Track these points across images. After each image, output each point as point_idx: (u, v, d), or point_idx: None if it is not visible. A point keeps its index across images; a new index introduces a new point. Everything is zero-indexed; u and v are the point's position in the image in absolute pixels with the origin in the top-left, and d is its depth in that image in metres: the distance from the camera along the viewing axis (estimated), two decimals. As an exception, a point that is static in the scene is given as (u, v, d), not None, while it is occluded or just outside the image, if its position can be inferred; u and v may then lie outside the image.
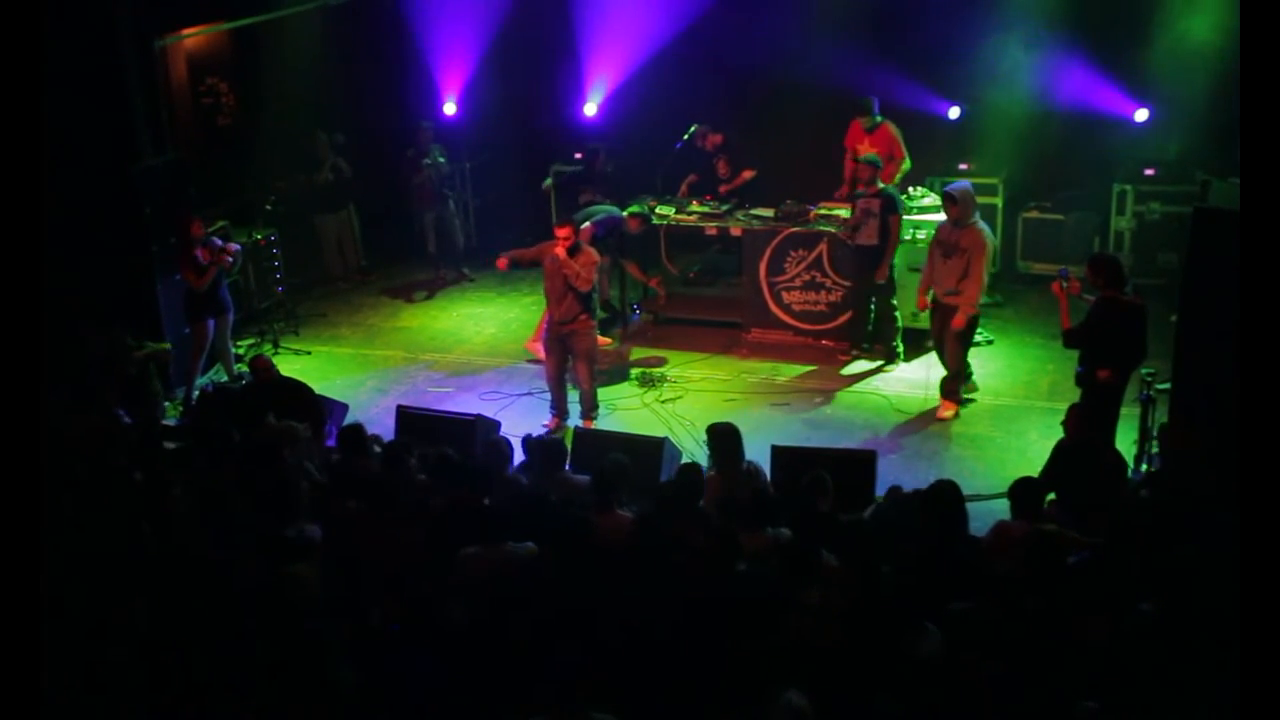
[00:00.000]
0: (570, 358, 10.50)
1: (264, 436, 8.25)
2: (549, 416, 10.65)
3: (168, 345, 11.17)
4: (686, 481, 7.50)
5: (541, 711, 5.12)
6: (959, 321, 10.25)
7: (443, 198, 14.33)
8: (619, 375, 11.63)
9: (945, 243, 10.39)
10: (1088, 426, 8.23)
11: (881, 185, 11.29)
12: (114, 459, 7.97)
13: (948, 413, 10.60)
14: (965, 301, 10.24)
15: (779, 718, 5.08)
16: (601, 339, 11.99)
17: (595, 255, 10.37)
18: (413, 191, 14.35)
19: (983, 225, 10.36)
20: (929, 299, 10.57)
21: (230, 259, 11.37)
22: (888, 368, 11.57)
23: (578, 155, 14.23)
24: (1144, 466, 8.84)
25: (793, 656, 5.56)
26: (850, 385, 11.32)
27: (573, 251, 10.15)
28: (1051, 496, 7.76)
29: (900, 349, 11.66)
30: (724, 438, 8.06)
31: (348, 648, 5.75)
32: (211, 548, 6.73)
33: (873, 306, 11.64)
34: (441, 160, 14.17)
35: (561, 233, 10.19)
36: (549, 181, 14.15)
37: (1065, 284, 9.13)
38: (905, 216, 11.83)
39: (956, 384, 10.63)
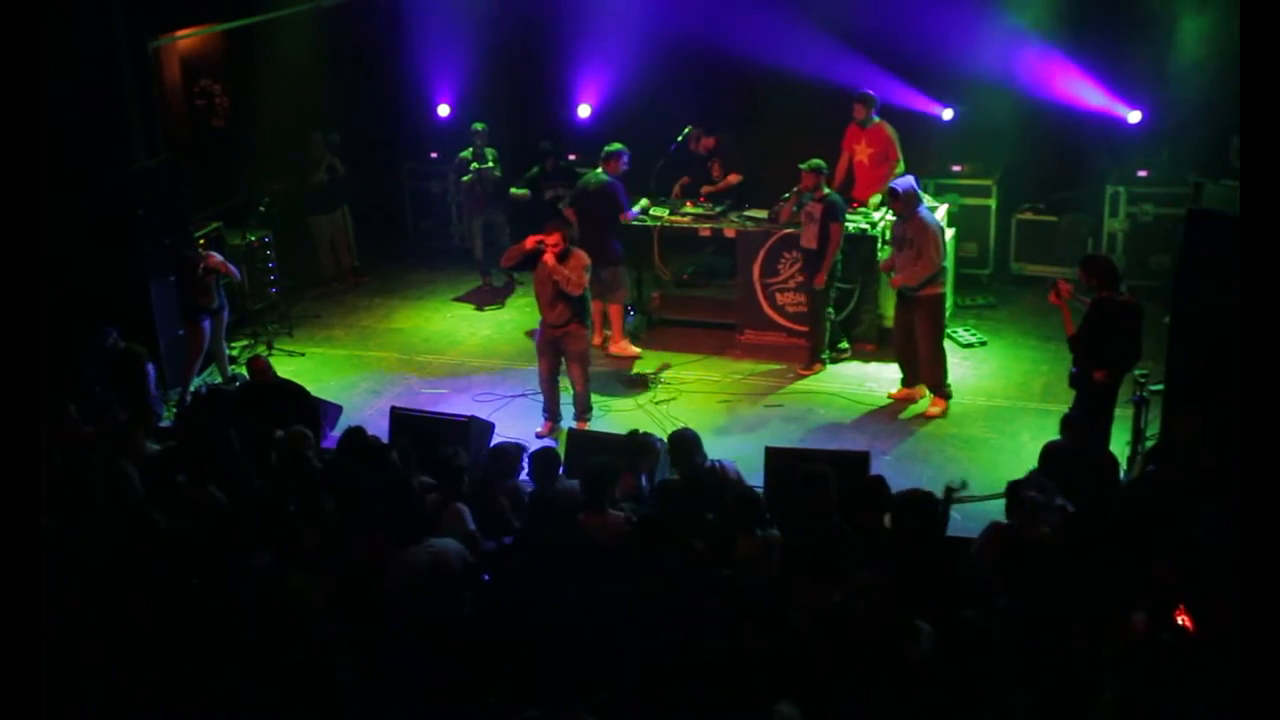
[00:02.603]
0: (564, 360, 10.50)
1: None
2: (542, 421, 10.64)
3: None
4: (694, 482, 7.51)
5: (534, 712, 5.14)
6: (899, 281, 10.56)
7: (493, 202, 14.13)
8: (615, 378, 11.64)
9: (897, 236, 10.69)
10: (1082, 437, 8.20)
11: (827, 191, 11.31)
12: (111, 458, 7.95)
13: (936, 409, 10.65)
14: (910, 274, 10.45)
15: None
16: (631, 348, 12.02)
17: (585, 259, 10.36)
18: (460, 195, 14.33)
19: (926, 215, 10.59)
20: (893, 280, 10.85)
21: (235, 273, 11.57)
22: (807, 371, 11.58)
23: (571, 156, 14.18)
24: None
25: (787, 661, 5.57)
26: (845, 387, 11.33)
27: (562, 257, 10.14)
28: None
29: (827, 356, 11.69)
30: (676, 442, 8.14)
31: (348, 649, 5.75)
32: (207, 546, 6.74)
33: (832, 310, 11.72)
34: (490, 165, 14.00)
35: (550, 239, 10.16)
36: (522, 190, 13.87)
37: (1058, 291, 9.11)
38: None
39: (940, 376, 10.69)
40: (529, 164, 13.81)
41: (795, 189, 11.47)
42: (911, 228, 10.44)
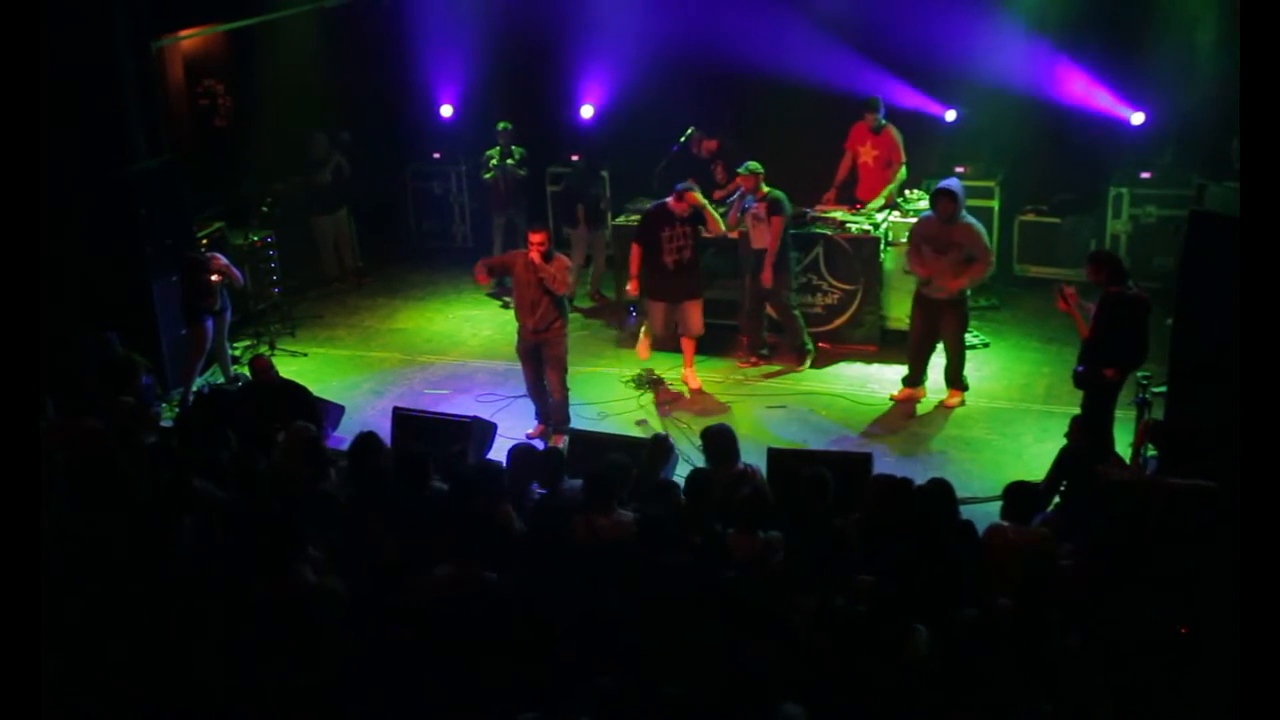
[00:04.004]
0: (543, 365, 10.42)
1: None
2: (533, 424, 10.62)
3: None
4: (695, 484, 7.51)
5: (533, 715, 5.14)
6: (958, 285, 10.41)
7: (515, 202, 14.08)
8: (617, 379, 11.65)
9: (936, 239, 10.45)
10: (1087, 435, 8.21)
11: (767, 190, 11.32)
12: (115, 459, 7.93)
13: (954, 400, 10.73)
14: (971, 277, 10.41)
15: None
16: (695, 379, 11.50)
17: (568, 260, 10.37)
18: (466, 194, 14.43)
19: (971, 218, 10.54)
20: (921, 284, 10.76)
21: (239, 278, 11.55)
22: (800, 369, 11.62)
23: (574, 157, 14.19)
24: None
25: (787, 663, 5.56)
26: (847, 388, 11.33)
27: (547, 257, 10.11)
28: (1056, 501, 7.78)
29: (810, 346, 11.72)
30: (714, 439, 8.05)
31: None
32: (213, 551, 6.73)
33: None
34: (510, 163, 13.91)
35: (536, 238, 10.09)
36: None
37: (1064, 296, 9.07)
38: (902, 219, 11.91)
39: (958, 372, 10.74)
40: (532, 163, 13.83)
41: (738, 193, 11.50)
42: (959, 231, 10.33)
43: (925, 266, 10.54)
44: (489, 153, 13.99)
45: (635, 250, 11.30)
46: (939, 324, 10.61)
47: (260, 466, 7.79)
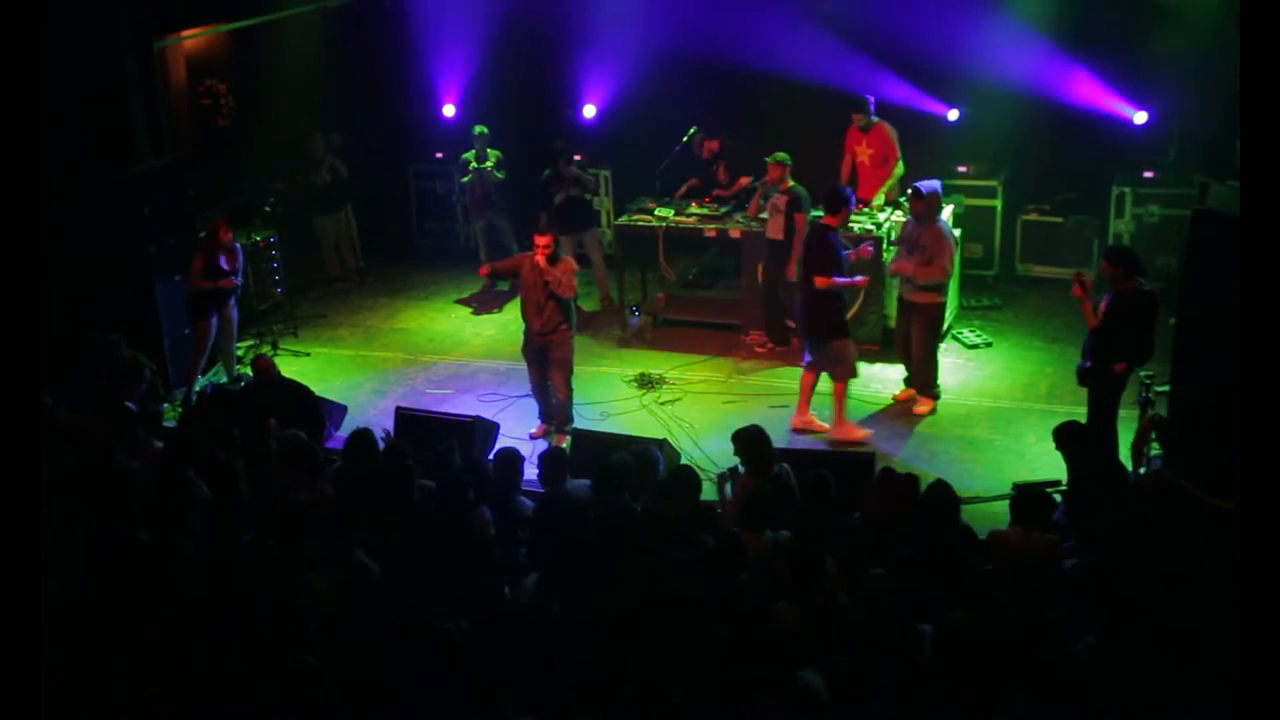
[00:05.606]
0: (549, 367, 10.43)
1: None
2: (536, 424, 10.64)
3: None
4: (682, 481, 7.50)
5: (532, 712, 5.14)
6: (914, 275, 10.44)
7: (494, 204, 14.07)
8: (619, 379, 11.64)
9: (908, 239, 10.61)
10: (1075, 440, 8.18)
11: (792, 184, 11.40)
12: (116, 457, 7.95)
13: (924, 408, 10.70)
14: (918, 274, 10.41)
15: (793, 698, 5.06)
16: (856, 432, 10.51)
17: (574, 263, 10.39)
18: (464, 197, 14.42)
19: (944, 225, 10.57)
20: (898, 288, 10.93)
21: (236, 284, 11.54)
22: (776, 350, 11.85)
23: (577, 156, 14.15)
24: (1142, 469, 8.82)
25: (790, 660, 5.56)
26: (849, 387, 11.29)
27: (552, 260, 10.11)
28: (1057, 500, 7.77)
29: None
30: (747, 441, 7.94)
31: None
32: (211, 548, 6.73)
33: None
34: (488, 166, 13.89)
35: (542, 241, 10.10)
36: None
37: (1083, 283, 9.07)
38: (904, 218, 11.89)
39: (930, 379, 10.75)
40: (535, 163, 13.81)
41: (761, 181, 11.54)
42: (928, 234, 10.37)
43: (895, 265, 10.75)
44: (465, 155, 14.01)
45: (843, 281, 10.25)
46: (910, 324, 10.64)
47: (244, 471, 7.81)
